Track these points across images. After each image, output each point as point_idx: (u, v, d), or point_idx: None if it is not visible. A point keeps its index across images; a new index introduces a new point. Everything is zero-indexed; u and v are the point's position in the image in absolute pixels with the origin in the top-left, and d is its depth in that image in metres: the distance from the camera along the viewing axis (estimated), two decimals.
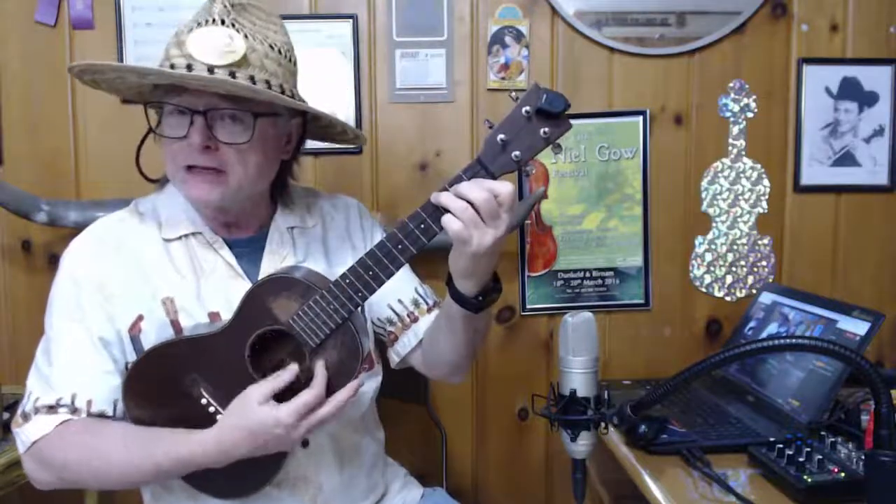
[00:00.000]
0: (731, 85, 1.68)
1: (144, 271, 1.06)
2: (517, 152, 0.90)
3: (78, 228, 1.12)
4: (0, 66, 1.58)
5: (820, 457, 1.03)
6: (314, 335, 0.97)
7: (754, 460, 1.10)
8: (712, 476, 1.06)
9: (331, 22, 1.60)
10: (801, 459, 1.02)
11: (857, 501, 0.93)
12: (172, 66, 0.96)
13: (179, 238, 1.09)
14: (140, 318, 1.05)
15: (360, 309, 1.00)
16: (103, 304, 1.04)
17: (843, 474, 0.99)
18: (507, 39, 1.62)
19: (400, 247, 0.94)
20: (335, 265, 1.15)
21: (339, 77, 1.62)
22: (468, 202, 0.88)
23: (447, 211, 0.89)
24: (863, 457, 0.93)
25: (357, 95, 1.61)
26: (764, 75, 1.68)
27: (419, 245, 0.94)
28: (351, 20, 1.60)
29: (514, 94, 0.92)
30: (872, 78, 1.68)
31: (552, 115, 0.88)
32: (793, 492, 0.99)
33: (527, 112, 0.89)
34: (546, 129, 0.89)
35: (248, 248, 1.11)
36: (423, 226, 0.93)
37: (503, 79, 1.63)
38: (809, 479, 0.98)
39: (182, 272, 1.07)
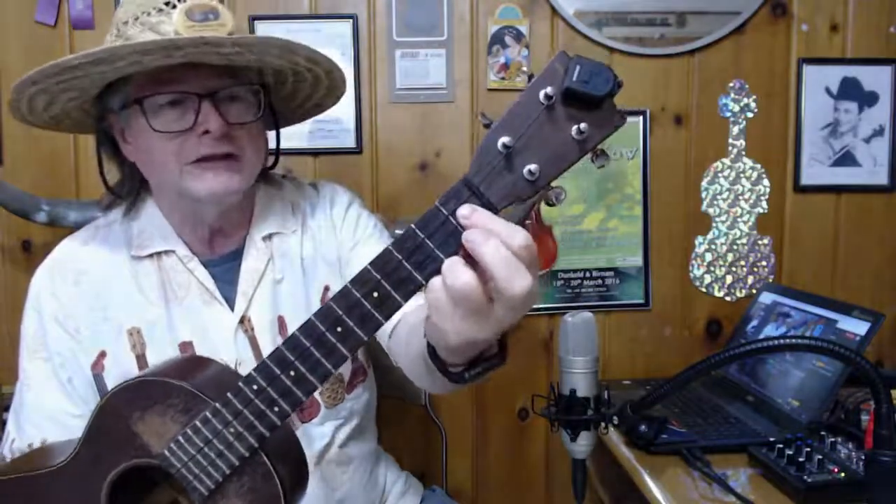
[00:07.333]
0: (731, 85, 1.67)
1: (109, 300, 0.97)
2: (532, 166, 0.55)
3: (78, 228, 1.11)
4: (0, 66, 1.58)
5: (820, 457, 1.03)
6: (205, 476, 0.68)
7: (754, 460, 1.10)
8: (712, 476, 1.06)
9: (331, 22, 1.60)
10: (801, 459, 1.02)
11: (857, 501, 0.93)
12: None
13: (150, 256, 0.98)
14: (103, 354, 0.96)
15: (279, 428, 0.67)
16: (69, 342, 0.97)
17: (843, 474, 0.99)
18: (507, 39, 1.62)
19: (340, 330, 0.60)
20: (313, 288, 1.02)
21: None
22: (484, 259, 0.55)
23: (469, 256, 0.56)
24: (863, 457, 0.93)
25: (357, 95, 1.61)
26: (764, 75, 1.67)
27: (371, 327, 0.60)
28: (351, 20, 1.60)
29: (525, 69, 0.61)
30: (872, 78, 1.68)
31: (591, 100, 0.53)
32: (793, 492, 0.99)
33: (547, 96, 0.54)
34: (582, 126, 0.54)
35: (226, 266, 0.99)
36: (376, 294, 0.59)
37: (503, 79, 1.63)
38: (809, 479, 0.98)
39: (151, 298, 0.97)
